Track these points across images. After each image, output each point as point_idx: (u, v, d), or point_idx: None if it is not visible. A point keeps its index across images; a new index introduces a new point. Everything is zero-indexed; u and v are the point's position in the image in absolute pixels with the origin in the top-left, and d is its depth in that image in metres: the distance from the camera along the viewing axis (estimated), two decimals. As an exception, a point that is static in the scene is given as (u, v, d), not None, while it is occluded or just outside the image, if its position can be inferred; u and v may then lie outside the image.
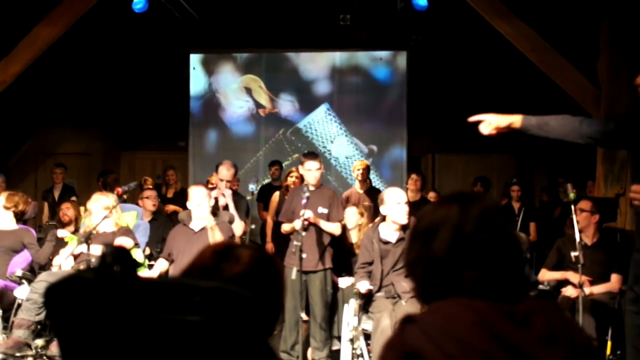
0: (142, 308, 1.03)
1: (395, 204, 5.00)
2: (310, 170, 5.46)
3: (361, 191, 7.13)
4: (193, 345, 1.03)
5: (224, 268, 1.30)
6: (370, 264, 5.07)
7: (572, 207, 4.71)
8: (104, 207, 5.26)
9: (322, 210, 5.46)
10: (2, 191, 7.87)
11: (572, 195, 4.70)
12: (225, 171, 6.03)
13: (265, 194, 8.27)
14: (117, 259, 1.03)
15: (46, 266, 5.57)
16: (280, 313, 1.37)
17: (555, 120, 2.95)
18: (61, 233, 5.79)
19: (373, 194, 7.22)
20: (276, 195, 7.46)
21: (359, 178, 7.14)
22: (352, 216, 6.06)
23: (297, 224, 5.32)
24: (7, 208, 5.55)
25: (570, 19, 7.58)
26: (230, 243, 1.44)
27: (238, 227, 5.87)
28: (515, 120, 2.94)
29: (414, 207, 7.23)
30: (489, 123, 2.94)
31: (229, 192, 6.06)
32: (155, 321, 1.03)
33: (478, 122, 3.02)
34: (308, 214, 5.16)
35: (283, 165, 9.13)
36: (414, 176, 7.61)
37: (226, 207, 6.00)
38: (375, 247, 5.03)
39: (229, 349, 1.04)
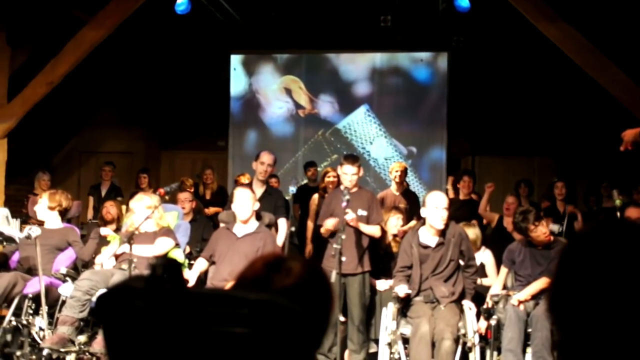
0: (190, 319, 1.04)
1: (434, 208, 4.96)
2: (347, 174, 5.44)
3: (397, 193, 7.09)
4: (240, 357, 1.04)
5: (274, 280, 1.30)
6: (409, 267, 5.04)
7: (618, 214, 4.61)
8: (146, 207, 5.33)
9: (361, 212, 5.44)
10: (47, 188, 8.10)
11: (618, 202, 4.60)
12: (266, 156, 5.96)
13: (302, 195, 8.29)
14: (167, 270, 1.04)
15: (89, 264, 5.68)
16: (328, 328, 1.37)
17: None
18: (104, 231, 5.89)
19: (409, 196, 7.19)
20: (315, 197, 7.45)
21: (397, 180, 7.10)
22: (396, 221, 6.03)
23: (330, 223, 5.31)
24: (51, 208, 5.67)
25: (615, 20, 7.43)
26: (281, 255, 1.44)
27: (282, 225, 5.85)
28: None
29: (464, 206, 7.26)
30: (626, 141, 3.01)
31: (260, 191, 5.98)
32: (203, 332, 1.04)
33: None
34: (351, 215, 5.15)
35: (320, 166, 9.13)
36: (465, 178, 7.60)
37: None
38: (415, 252, 5.00)
39: (275, 361, 1.04)
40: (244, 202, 5.29)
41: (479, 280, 5.40)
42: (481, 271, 5.77)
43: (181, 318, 1.04)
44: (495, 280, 5.76)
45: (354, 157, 5.64)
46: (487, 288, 5.61)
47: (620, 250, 0.97)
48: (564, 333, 1.01)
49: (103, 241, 5.82)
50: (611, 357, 0.96)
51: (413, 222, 6.39)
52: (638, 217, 4.97)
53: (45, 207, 5.67)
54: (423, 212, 5.10)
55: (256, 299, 1.04)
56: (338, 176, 6.00)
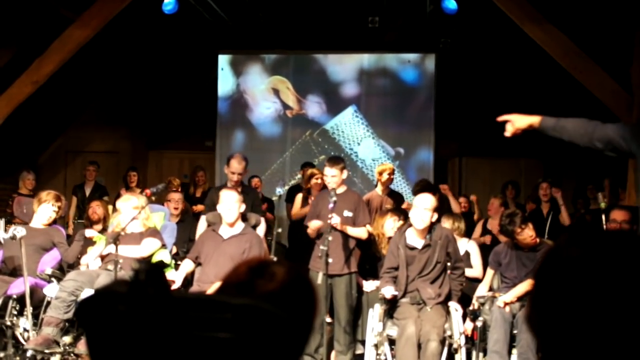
0: (173, 324, 1.04)
1: (416, 209, 4.99)
2: (327, 176, 5.48)
3: (383, 194, 7.09)
4: (223, 362, 1.03)
5: (258, 285, 1.30)
6: (396, 269, 5.05)
7: (603, 216, 4.64)
8: (133, 207, 5.31)
9: (347, 214, 5.45)
10: (31, 188, 8.05)
11: (603, 205, 4.63)
12: (236, 164, 5.97)
13: (294, 195, 8.29)
14: (150, 275, 1.03)
15: (75, 265, 5.64)
16: (312, 333, 1.36)
17: (572, 123, 2.93)
18: (89, 233, 5.85)
19: (394, 197, 7.19)
20: (299, 196, 7.45)
21: (388, 182, 7.05)
22: (394, 223, 5.97)
23: (314, 224, 5.32)
24: (56, 212, 5.66)
25: (603, 24, 7.48)
26: (265, 259, 1.44)
27: (261, 225, 5.87)
28: (534, 120, 2.93)
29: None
30: (512, 125, 2.95)
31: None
32: (186, 337, 1.03)
33: (505, 125, 3.03)
34: (335, 219, 5.16)
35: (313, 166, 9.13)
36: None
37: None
38: (401, 253, 5.01)
39: (259, 366, 1.04)
40: (230, 204, 5.28)
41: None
42: (466, 261, 5.82)
43: (164, 323, 1.04)
44: (479, 271, 5.87)
45: (335, 159, 5.64)
46: (472, 280, 5.66)
47: (595, 262, 0.97)
48: (543, 346, 1.01)
49: (89, 241, 5.78)
50: None
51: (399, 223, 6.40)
52: (623, 219, 5.00)
53: (46, 206, 5.63)
54: (410, 213, 5.13)
55: (240, 303, 1.04)
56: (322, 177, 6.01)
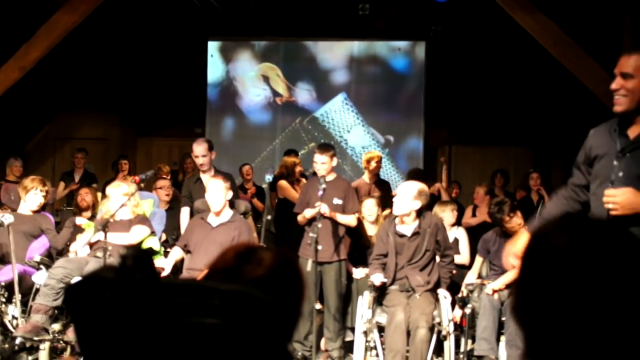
0: (161, 309, 1.03)
1: (397, 196, 5.06)
2: (316, 163, 5.48)
3: (370, 182, 7.09)
4: (211, 348, 1.03)
5: (245, 270, 1.30)
6: (385, 255, 5.07)
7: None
8: (123, 194, 5.28)
9: (337, 201, 5.45)
10: (19, 175, 8.00)
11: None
12: (196, 147, 5.85)
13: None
14: (138, 261, 1.03)
15: (63, 252, 5.62)
16: (300, 318, 1.36)
17: (552, 207, 2.94)
18: (79, 221, 5.82)
19: (382, 185, 7.20)
20: (283, 181, 7.41)
21: (376, 170, 7.07)
22: (372, 208, 6.05)
23: (308, 213, 5.33)
24: (44, 197, 5.61)
25: (593, 12, 7.48)
26: (253, 245, 1.44)
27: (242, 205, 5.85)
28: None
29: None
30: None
31: (207, 178, 5.91)
32: (174, 322, 1.03)
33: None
34: (324, 208, 5.16)
35: (299, 154, 9.11)
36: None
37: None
38: (391, 240, 5.03)
39: (247, 352, 1.04)
40: (216, 193, 5.25)
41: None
42: (455, 248, 5.87)
43: (152, 308, 1.03)
44: (467, 258, 5.94)
45: (325, 147, 5.65)
46: (460, 267, 5.70)
47: (583, 253, 0.97)
48: (528, 334, 1.01)
49: (78, 229, 5.75)
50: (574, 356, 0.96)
51: (387, 211, 6.42)
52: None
53: (33, 192, 5.58)
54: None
55: (227, 289, 1.04)
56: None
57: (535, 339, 0.99)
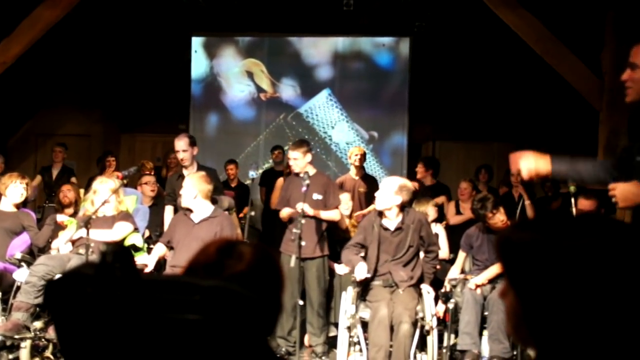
0: (141, 306, 1.03)
1: (380, 191, 5.08)
2: (290, 159, 5.50)
3: (357, 177, 7.12)
4: (192, 344, 1.03)
5: (227, 265, 1.30)
6: (363, 246, 5.07)
7: (572, 200, 4.70)
8: (111, 190, 5.25)
9: (317, 197, 5.46)
10: (0, 172, 7.91)
11: (572, 188, 4.68)
12: (176, 142, 5.83)
13: (268, 178, 8.25)
14: (118, 257, 1.02)
15: (45, 249, 5.57)
16: (280, 312, 1.37)
17: (584, 166, 2.92)
18: (60, 218, 5.77)
19: (368, 180, 7.22)
20: (280, 180, 7.43)
21: (356, 164, 7.12)
22: (347, 202, 6.10)
23: (286, 212, 5.35)
24: (25, 189, 5.56)
25: (575, 9, 7.54)
26: (233, 240, 1.44)
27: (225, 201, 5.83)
28: (544, 166, 2.86)
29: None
30: (524, 169, 2.87)
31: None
32: (154, 319, 1.03)
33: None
34: (307, 209, 5.18)
35: (285, 149, 9.12)
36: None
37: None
38: (375, 232, 5.03)
39: (228, 347, 1.04)
40: (185, 189, 5.24)
41: None
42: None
43: (132, 305, 1.03)
44: (446, 253, 6.01)
45: (298, 142, 5.65)
46: (440, 261, 5.75)
47: (546, 245, 0.99)
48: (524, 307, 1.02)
49: (58, 226, 5.70)
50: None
51: (372, 207, 6.44)
52: (590, 209, 5.07)
53: (13, 187, 5.52)
54: None
55: (208, 285, 1.04)
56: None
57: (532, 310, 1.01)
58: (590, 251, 0.97)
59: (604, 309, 0.95)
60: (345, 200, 6.08)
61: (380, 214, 5.09)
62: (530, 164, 2.82)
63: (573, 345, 0.97)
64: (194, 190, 5.21)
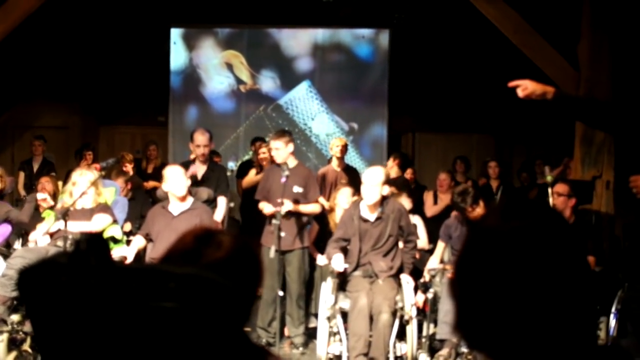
0: (116, 294, 1.03)
1: (365, 184, 5.04)
2: (272, 150, 5.50)
3: (338, 169, 7.13)
4: (168, 332, 1.03)
5: (204, 253, 1.30)
6: (346, 240, 5.09)
7: (549, 189, 4.76)
8: (90, 181, 5.21)
9: (297, 189, 5.46)
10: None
11: (549, 178, 4.74)
12: (200, 136, 5.91)
13: (245, 170, 8.24)
14: (92, 245, 1.02)
15: (23, 242, 5.53)
16: (255, 301, 1.38)
17: (584, 103, 2.99)
18: (41, 196, 5.70)
19: (349, 172, 7.24)
20: (252, 172, 7.45)
21: (338, 155, 7.13)
22: (348, 197, 6.00)
23: (268, 209, 5.34)
24: (1, 178, 5.51)
25: (552, 1, 7.59)
26: (211, 228, 1.44)
27: (222, 203, 5.81)
28: (549, 91, 2.98)
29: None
30: (526, 87, 2.98)
31: (202, 169, 5.96)
32: (129, 307, 1.03)
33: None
34: (288, 205, 5.18)
35: (265, 140, 9.10)
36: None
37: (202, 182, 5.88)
38: (355, 224, 5.05)
39: (203, 335, 1.04)
40: (177, 179, 5.23)
41: None
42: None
43: (107, 293, 1.03)
44: (425, 242, 6.05)
45: (280, 133, 5.65)
46: (419, 252, 5.79)
47: (508, 233, 1.01)
48: (460, 307, 1.05)
49: (38, 218, 5.65)
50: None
51: (354, 198, 6.46)
52: (566, 193, 5.15)
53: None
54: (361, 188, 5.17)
55: (183, 273, 1.04)
56: (270, 151, 5.98)
57: (465, 311, 1.03)
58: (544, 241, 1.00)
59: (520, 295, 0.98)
60: (347, 195, 6.02)
61: (358, 204, 5.11)
62: (533, 84, 2.92)
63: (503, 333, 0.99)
64: (185, 181, 5.24)
